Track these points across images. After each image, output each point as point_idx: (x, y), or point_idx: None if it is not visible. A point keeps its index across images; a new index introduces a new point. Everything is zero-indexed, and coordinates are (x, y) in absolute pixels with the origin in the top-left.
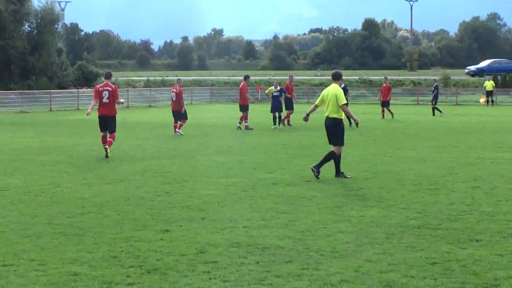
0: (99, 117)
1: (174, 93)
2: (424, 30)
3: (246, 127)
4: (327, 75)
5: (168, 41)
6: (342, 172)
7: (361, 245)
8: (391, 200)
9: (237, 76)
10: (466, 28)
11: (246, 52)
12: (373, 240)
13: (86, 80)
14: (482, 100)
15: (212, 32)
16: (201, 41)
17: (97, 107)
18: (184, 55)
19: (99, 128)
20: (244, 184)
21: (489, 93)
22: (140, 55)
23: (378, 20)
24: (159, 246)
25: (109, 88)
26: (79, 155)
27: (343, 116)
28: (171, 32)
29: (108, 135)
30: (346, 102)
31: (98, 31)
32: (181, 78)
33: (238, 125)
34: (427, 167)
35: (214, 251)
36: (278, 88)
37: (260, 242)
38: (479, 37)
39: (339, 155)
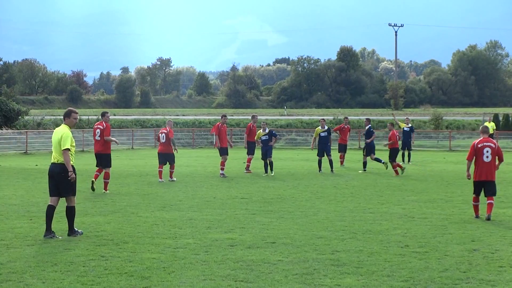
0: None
1: (164, 134)
2: (411, 61)
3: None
4: (296, 114)
5: (105, 72)
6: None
7: None
8: (373, 265)
9: (188, 115)
10: (461, 58)
11: (199, 87)
12: None
13: (6, 119)
14: None
15: (158, 63)
16: (144, 73)
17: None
18: (124, 90)
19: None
20: (195, 246)
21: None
22: (71, 90)
23: (357, 48)
24: None
25: (101, 127)
26: None
27: None
28: (109, 61)
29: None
30: None
31: (20, 60)
32: (171, 120)
33: (221, 171)
34: (415, 225)
35: None
36: (267, 131)
37: None
38: (477, 70)
39: None
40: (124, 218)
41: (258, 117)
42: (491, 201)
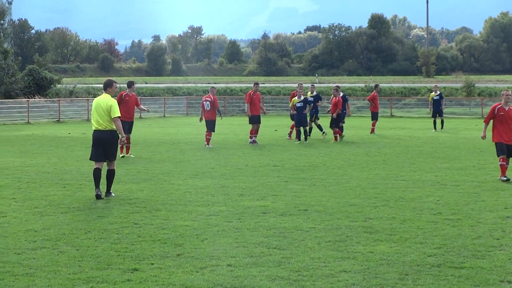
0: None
1: (208, 102)
2: (442, 28)
3: (253, 142)
4: (327, 82)
5: (137, 41)
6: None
7: (369, 287)
8: (405, 233)
9: (219, 83)
10: (493, 25)
11: (230, 55)
12: (383, 282)
13: (38, 87)
14: None
15: (189, 31)
16: (175, 41)
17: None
18: (155, 58)
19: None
20: (228, 213)
21: None
22: (103, 58)
23: (388, 16)
24: None
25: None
26: (30, 178)
27: None
28: (140, 30)
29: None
30: None
31: (52, 28)
32: (215, 86)
33: (250, 140)
34: (448, 193)
35: None
36: (302, 98)
37: (247, 284)
38: (509, 37)
39: None
40: (157, 186)
41: (290, 85)
42: None
